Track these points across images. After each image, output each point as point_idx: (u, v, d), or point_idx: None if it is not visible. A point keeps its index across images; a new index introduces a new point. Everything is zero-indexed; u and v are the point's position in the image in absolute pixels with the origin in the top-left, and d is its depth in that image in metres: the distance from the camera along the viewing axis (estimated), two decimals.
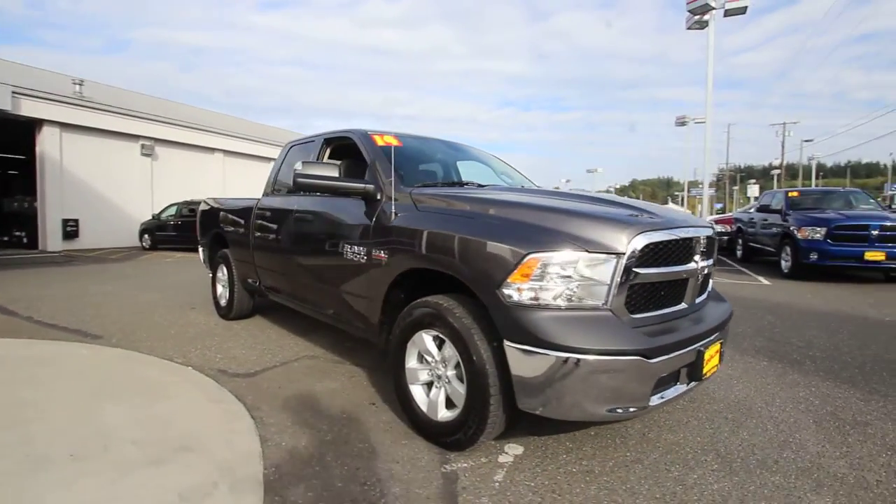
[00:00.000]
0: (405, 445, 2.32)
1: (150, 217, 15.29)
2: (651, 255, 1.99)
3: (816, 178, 55.38)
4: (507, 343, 1.92)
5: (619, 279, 1.88)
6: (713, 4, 12.89)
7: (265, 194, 4.09)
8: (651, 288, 2.04)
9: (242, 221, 4.29)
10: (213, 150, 18.94)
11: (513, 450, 2.28)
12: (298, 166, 2.73)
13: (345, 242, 2.83)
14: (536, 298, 1.89)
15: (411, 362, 2.43)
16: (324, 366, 3.53)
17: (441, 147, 3.75)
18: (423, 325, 2.29)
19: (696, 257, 2.23)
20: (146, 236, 14.91)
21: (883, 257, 7.19)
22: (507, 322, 1.92)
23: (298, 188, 2.75)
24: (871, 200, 9.13)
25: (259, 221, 3.97)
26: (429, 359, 2.34)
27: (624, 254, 1.89)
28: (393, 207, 2.52)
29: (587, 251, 1.88)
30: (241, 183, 19.57)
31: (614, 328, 1.86)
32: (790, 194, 9.29)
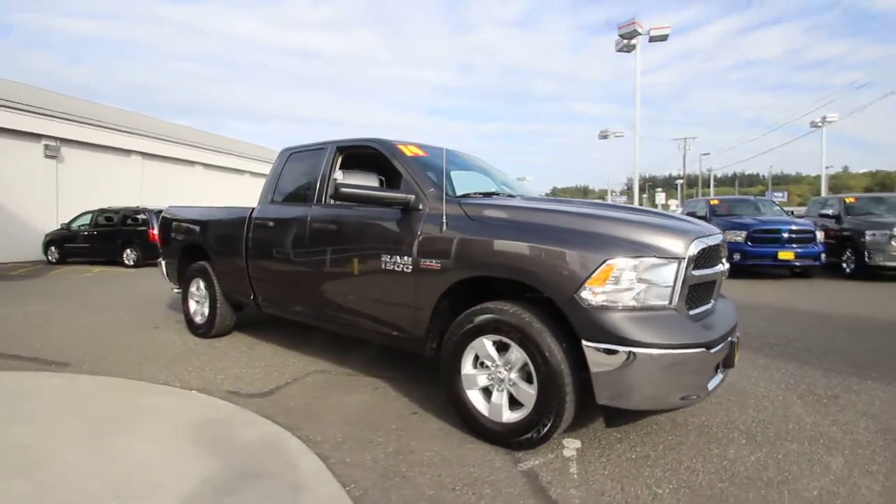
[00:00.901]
0: (470, 449, 2.37)
1: (59, 227, 13.54)
2: (700, 258, 2.25)
3: (710, 186, 62.76)
4: (585, 343, 2.07)
5: (681, 281, 2.12)
6: (640, 31, 14.41)
7: (262, 203, 3.89)
8: (698, 288, 2.31)
9: (233, 232, 4.04)
10: (129, 152, 17.25)
11: (571, 444, 2.42)
12: (339, 176, 2.70)
13: (383, 253, 2.82)
14: (612, 301, 2.06)
15: (467, 368, 2.49)
16: (339, 379, 3.44)
17: (450, 157, 3.82)
18: (486, 330, 2.37)
19: (723, 260, 2.55)
20: (53, 249, 13.18)
21: (792, 256, 8.41)
22: (585, 323, 2.07)
23: (340, 198, 2.70)
24: (776, 207, 10.62)
25: (258, 232, 3.78)
26: (488, 363, 2.42)
27: (684, 258, 2.13)
28: (444, 218, 2.58)
29: (656, 257, 2.09)
30: (162, 188, 18.01)
31: (681, 324, 2.09)
32: (711, 202, 10.51)
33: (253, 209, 3.97)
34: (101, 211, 13.13)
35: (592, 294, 2.07)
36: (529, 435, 2.25)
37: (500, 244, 2.35)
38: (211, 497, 1.94)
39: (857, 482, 2.09)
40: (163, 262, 5.10)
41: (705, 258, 2.33)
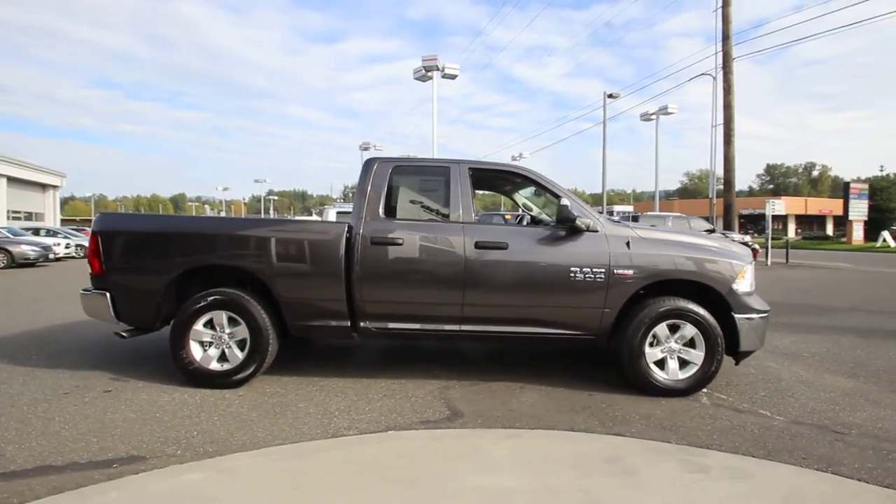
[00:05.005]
0: (667, 402, 3.34)
1: None
2: None
3: None
4: (737, 315, 3.44)
5: (754, 275, 3.75)
6: (438, 66, 16.92)
7: (372, 219, 3.52)
8: None
9: (322, 251, 3.48)
10: None
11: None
12: (567, 202, 3.19)
13: (571, 266, 3.40)
14: (742, 289, 3.50)
15: (646, 348, 3.46)
16: (479, 388, 3.64)
17: None
18: (668, 317, 3.42)
19: None
20: None
21: None
22: (735, 303, 3.44)
23: (565, 222, 3.20)
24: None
25: (377, 251, 3.45)
26: (663, 340, 3.47)
27: (753, 262, 3.77)
28: (629, 238, 3.45)
29: (749, 262, 3.65)
30: None
31: (761, 300, 3.69)
32: (507, 217, 13.64)
33: (348, 225, 3.53)
34: None
35: (737, 286, 3.47)
36: (705, 381, 3.44)
37: (684, 257, 3.44)
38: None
39: (830, 379, 4.19)
40: (108, 296, 3.51)
41: None
